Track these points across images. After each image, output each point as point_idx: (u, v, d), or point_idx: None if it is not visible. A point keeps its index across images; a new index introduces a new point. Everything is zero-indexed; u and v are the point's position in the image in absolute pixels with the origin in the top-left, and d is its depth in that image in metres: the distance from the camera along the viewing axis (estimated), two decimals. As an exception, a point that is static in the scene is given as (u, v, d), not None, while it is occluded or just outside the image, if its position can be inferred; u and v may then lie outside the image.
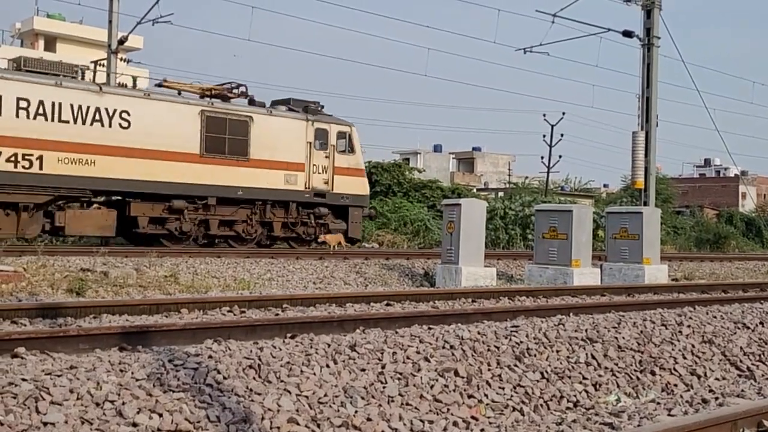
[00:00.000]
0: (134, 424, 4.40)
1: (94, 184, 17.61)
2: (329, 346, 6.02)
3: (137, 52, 43.12)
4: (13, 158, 16.48)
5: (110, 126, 17.74)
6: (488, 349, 6.53)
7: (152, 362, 5.24)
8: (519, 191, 39.32)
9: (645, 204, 21.56)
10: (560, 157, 48.45)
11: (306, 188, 21.06)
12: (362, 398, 5.31)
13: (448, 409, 5.56)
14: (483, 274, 15.33)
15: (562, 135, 47.26)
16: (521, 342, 6.80)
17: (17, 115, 16.57)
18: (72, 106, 17.35)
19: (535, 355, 6.64)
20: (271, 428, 4.70)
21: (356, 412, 5.11)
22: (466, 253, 15.22)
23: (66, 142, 17.13)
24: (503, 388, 6.04)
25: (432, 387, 5.73)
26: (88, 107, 17.52)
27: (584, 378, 6.57)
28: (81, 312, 8.84)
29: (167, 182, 18.51)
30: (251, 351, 5.67)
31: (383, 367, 5.80)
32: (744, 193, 69.35)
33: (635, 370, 6.97)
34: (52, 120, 17.02)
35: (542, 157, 47.88)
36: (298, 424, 4.79)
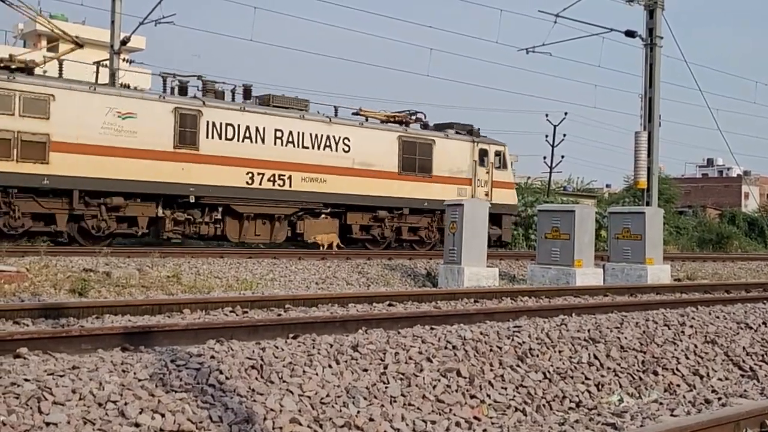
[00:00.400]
0: (136, 425, 4.41)
1: (325, 199, 21.52)
2: (332, 346, 6.02)
3: (140, 53, 43.15)
4: (272, 178, 20.62)
5: (336, 150, 21.83)
6: (491, 350, 6.53)
7: (155, 362, 5.24)
8: (521, 191, 39.31)
9: (647, 204, 21.53)
10: (563, 157, 48.29)
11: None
12: (365, 398, 5.31)
13: (451, 410, 5.56)
14: (485, 275, 15.32)
15: (564, 135, 47.19)
16: (524, 342, 6.80)
17: (275, 143, 20.73)
18: (311, 134, 21.43)
19: (537, 356, 6.64)
20: (273, 428, 4.70)
21: (359, 412, 5.11)
22: (469, 253, 15.21)
23: (307, 164, 21.21)
24: (506, 389, 6.04)
25: (434, 387, 5.73)
26: (321, 135, 21.63)
27: (587, 378, 6.57)
28: (83, 312, 8.84)
29: (375, 196, 22.45)
30: (254, 351, 5.67)
31: (386, 367, 5.81)
32: (747, 193, 69.25)
33: (638, 371, 6.97)
34: (298, 146, 21.14)
35: (544, 158, 47.87)
36: (300, 424, 4.79)
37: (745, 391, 6.78)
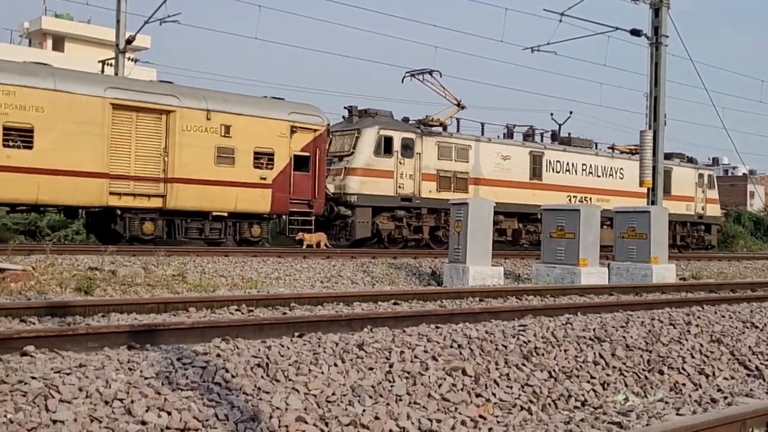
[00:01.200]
0: (143, 422, 4.42)
1: (609, 214, 25.93)
2: (337, 345, 6.02)
3: (145, 52, 43.22)
4: (581, 200, 27.73)
5: (615, 178, 29.61)
6: (496, 348, 6.53)
7: (161, 361, 5.25)
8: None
9: (653, 203, 21.52)
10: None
11: (694, 213, 32.67)
12: (370, 397, 5.32)
13: (456, 408, 5.56)
14: (490, 273, 15.32)
15: (569, 134, 47.11)
16: (529, 341, 6.80)
17: (581, 174, 28.48)
18: (601, 166, 29.23)
19: (542, 355, 6.64)
20: (279, 427, 4.70)
21: (364, 410, 5.11)
22: (474, 252, 15.21)
23: (599, 188, 28.77)
24: (511, 387, 6.04)
25: (440, 386, 5.73)
26: (607, 166, 29.35)
27: (592, 377, 6.56)
28: (89, 311, 8.86)
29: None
30: (259, 350, 5.68)
31: (391, 366, 5.81)
32: (752, 192, 69.05)
33: (643, 370, 6.96)
34: (594, 176, 28.90)
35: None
36: (306, 422, 4.79)
37: (751, 390, 6.77)
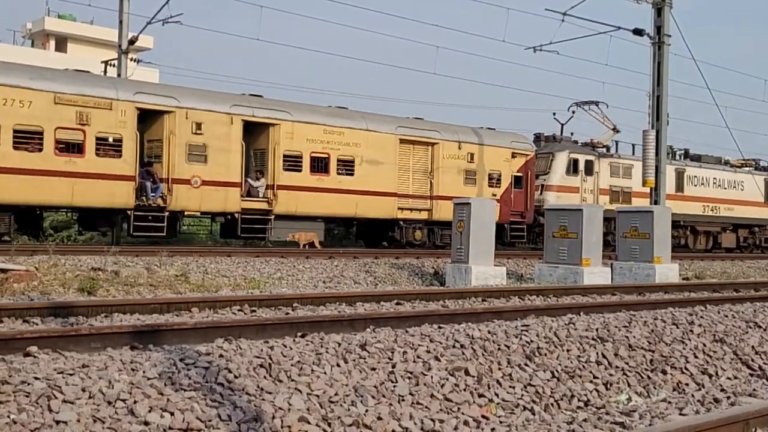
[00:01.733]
0: (146, 423, 4.42)
1: (732, 221, 32.92)
2: (340, 345, 6.02)
3: (147, 52, 43.22)
4: (712, 209, 31.88)
5: (736, 189, 33.32)
6: (499, 348, 6.52)
7: (163, 361, 5.26)
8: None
9: (656, 203, 21.51)
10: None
11: None
12: (373, 397, 5.32)
13: (459, 408, 5.56)
14: (493, 273, 15.30)
15: (572, 133, 47.00)
16: (532, 341, 6.79)
17: (713, 186, 32.35)
18: (726, 180, 32.81)
19: (545, 355, 6.63)
20: (282, 427, 4.71)
21: (367, 411, 5.11)
22: (476, 252, 15.19)
23: (725, 199, 32.62)
24: (514, 388, 6.04)
25: (442, 386, 5.73)
26: (731, 180, 33.11)
27: (595, 377, 6.56)
28: (92, 311, 8.87)
29: (753, 218, 33.80)
30: (262, 350, 5.68)
31: (394, 366, 5.81)
32: (755, 192, 68.84)
33: (646, 369, 6.95)
34: (721, 188, 32.77)
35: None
36: (308, 423, 4.79)
37: (754, 390, 6.76)
